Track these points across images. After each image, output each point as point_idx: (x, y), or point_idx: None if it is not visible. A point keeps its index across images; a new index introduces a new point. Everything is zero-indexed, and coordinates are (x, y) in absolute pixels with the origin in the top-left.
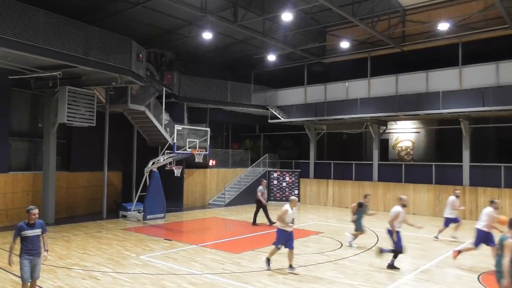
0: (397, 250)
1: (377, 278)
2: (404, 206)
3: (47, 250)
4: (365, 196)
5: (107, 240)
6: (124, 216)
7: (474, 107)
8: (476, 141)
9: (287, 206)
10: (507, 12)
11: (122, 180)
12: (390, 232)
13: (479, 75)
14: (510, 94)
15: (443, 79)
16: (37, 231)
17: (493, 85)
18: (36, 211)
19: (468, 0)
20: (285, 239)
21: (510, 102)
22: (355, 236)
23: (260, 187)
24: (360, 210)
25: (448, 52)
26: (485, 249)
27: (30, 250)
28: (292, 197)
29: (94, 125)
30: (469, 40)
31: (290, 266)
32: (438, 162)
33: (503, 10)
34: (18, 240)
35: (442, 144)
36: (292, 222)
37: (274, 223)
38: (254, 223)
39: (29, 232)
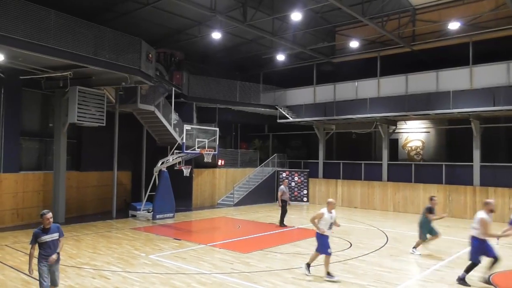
0: (474, 262)
1: (387, 278)
2: (491, 211)
3: (58, 253)
4: (431, 199)
5: (116, 240)
6: (134, 216)
7: (485, 106)
8: (486, 140)
9: (324, 209)
10: None
11: (132, 180)
12: (479, 241)
13: (489, 74)
14: None
15: (453, 79)
16: (54, 236)
17: (504, 84)
18: (50, 215)
19: None
20: (328, 242)
21: None
22: (431, 240)
23: (282, 187)
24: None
25: (459, 52)
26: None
27: (48, 256)
28: (330, 200)
29: (104, 125)
30: (479, 39)
31: (308, 266)
32: (448, 162)
33: None
34: (36, 246)
35: (452, 144)
36: (330, 227)
37: (285, 225)
38: (281, 224)
39: (46, 238)
